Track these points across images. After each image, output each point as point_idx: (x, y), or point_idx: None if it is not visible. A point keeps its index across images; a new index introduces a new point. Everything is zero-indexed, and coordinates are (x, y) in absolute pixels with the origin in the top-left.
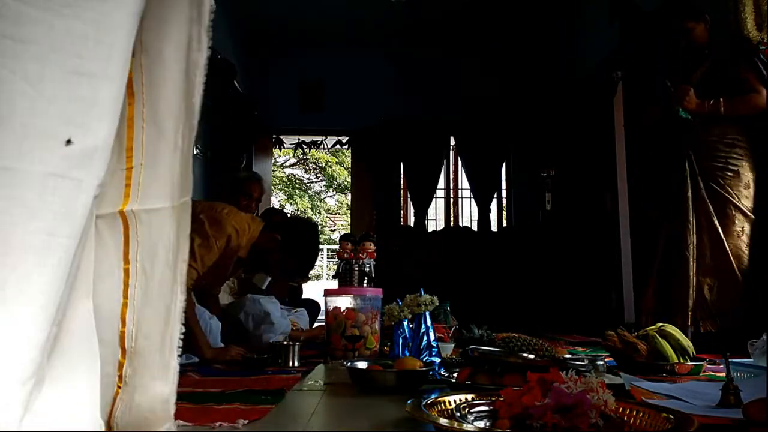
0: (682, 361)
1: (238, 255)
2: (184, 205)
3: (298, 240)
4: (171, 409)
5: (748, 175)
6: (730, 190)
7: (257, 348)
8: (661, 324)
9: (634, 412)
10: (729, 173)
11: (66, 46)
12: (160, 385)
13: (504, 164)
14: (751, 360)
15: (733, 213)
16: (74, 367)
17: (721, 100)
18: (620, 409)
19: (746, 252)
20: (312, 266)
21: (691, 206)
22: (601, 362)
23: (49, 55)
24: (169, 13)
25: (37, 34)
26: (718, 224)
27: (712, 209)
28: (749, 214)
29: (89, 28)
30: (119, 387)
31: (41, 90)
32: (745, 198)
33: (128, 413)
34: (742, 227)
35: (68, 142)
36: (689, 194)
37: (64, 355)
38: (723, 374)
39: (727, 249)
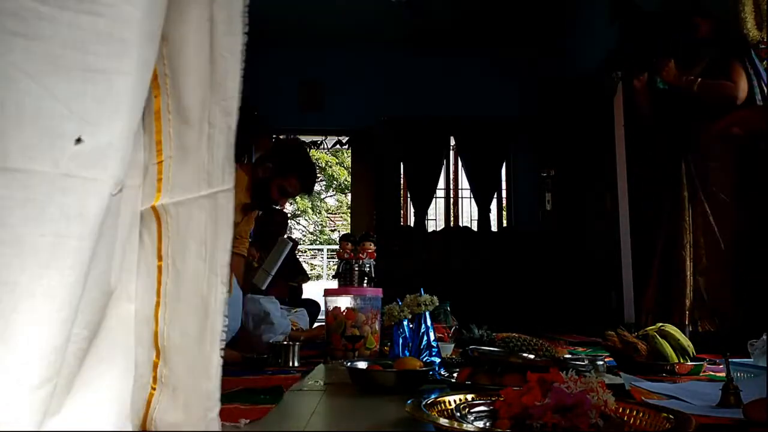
0: (682, 361)
1: (243, 202)
2: (220, 193)
3: (289, 157)
4: (215, 406)
5: (742, 175)
6: (726, 190)
7: (257, 348)
8: (661, 324)
9: (634, 412)
10: (722, 172)
11: (76, 43)
12: (202, 381)
13: (504, 164)
14: (751, 360)
15: (730, 213)
16: (108, 370)
17: (699, 79)
18: (620, 409)
19: (741, 251)
20: (313, 178)
21: (687, 206)
22: (601, 362)
23: (58, 52)
24: (187, 1)
25: (46, 30)
26: (714, 224)
27: (708, 209)
28: (744, 212)
29: (100, 23)
30: (153, 388)
31: (51, 88)
32: (739, 197)
33: (169, 413)
34: (738, 226)
35: (78, 140)
36: (685, 194)
37: (99, 359)
38: (723, 374)
39: (723, 249)
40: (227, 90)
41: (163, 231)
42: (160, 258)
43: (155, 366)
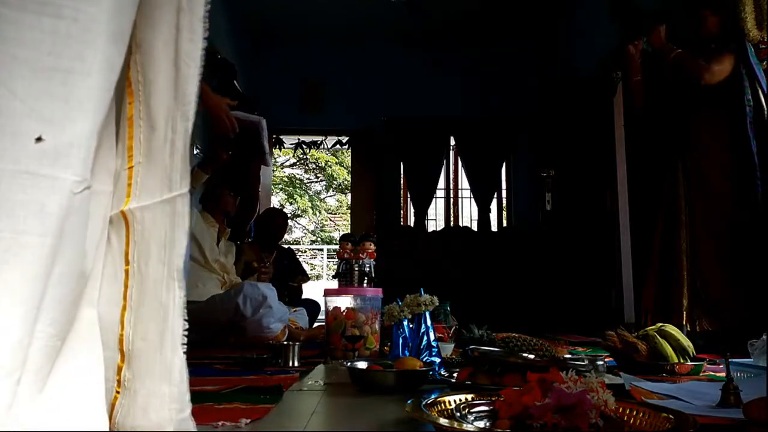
0: (682, 361)
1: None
2: (178, 198)
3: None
4: (185, 407)
5: (738, 174)
6: (721, 189)
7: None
8: (661, 324)
9: (634, 412)
10: (719, 172)
11: (38, 44)
12: (163, 385)
13: (504, 164)
14: (751, 360)
15: (726, 212)
16: (79, 373)
17: (678, 51)
18: (620, 409)
19: (739, 250)
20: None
21: (684, 205)
22: (601, 362)
23: (20, 53)
24: (157, 7)
25: (9, 32)
26: (711, 223)
27: (705, 208)
28: (741, 212)
29: (62, 24)
30: (117, 392)
31: (12, 88)
32: (737, 197)
33: (130, 417)
34: (735, 225)
35: (38, 139)
36: (682, 192)
37: (71, 359)
38: (723, 374)
39: (721, 248)
40: (186, 95)
41: (130, 235)
42: (127, 262)
43: (119, 369)
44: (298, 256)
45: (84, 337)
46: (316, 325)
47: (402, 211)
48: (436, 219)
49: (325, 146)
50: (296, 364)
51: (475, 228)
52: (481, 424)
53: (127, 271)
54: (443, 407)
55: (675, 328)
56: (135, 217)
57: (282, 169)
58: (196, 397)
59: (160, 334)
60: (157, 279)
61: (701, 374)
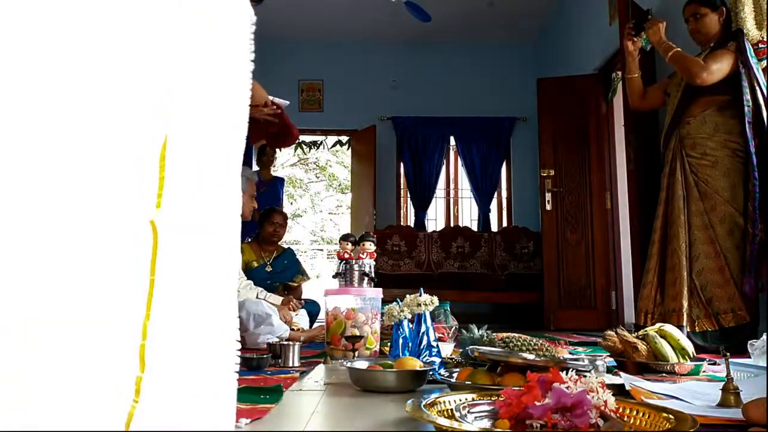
0: (682, 361)
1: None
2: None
3: None
4: (224, 409)
5: (738, 175)
6: (720, 189)
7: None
8: (661, 324)
9: (634, 412)
10: (718, 172)
11: None
12: (204, 386)
13: (504, 164)
14: (751, 360)
15: (724, 212)
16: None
17: (676, 49)
18: (620, 409)
19: (738, 251)
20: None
21: (683, 205)
22: (601, 362)
23: None
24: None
25: None
26: (710, 223)
27: (704, 208)
28: (740, 213)
29: None
30: (136, 401)
31: None
32: (735, 197)
33: (148, 426)
34: (733, 227)
35: None
36: (681, 193)
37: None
38: (723, 374)
39: (720, 249)
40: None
41: (159, 244)
42: (153, 272)
43: (139, 380)
44: (298, 256)
45: (101, 344)
46: (316, 325)
47: (402, 211)
48: (436, 219)
49: (325, 146)
50: (296, 364)
51: (475, 228)
52: (481, 424)
53: (152, 281)
54: (443, 407)
55: (675, 328)
56: (165, 225)
57: (282, 168)
58: None
59: (203, 340)
60: (196, 287)
61: (701, 374)
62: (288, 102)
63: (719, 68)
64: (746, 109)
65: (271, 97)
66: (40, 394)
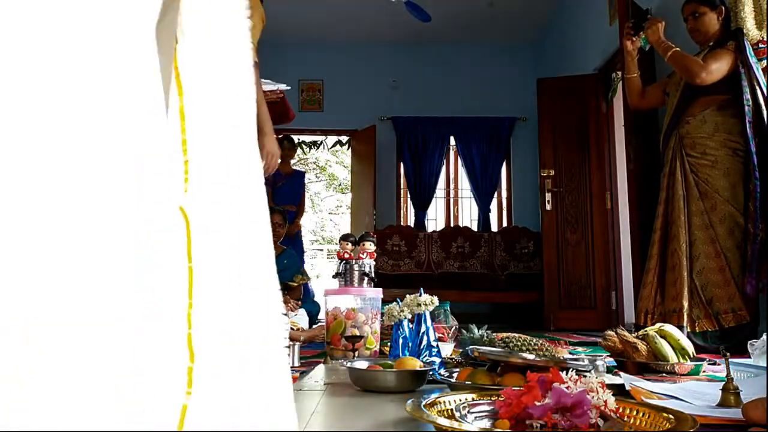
0: (682, 361)
1: None
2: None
3: None
4: (285, 406)
5: (738, 174)
6: (720, 189)
7: None
8: (661, 324)
9: (634, 412)
10: (718, 172)
11: None
12: (256, 381)
13: (504, 164)
14: (751, 360)
15: (724, 212)
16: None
17: (674, 49)
18: (620, 409)
19: (738, 251)
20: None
21: (683, 205)
22: (601, 362)
23: None
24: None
25: None
26: (710, 223)
27: (704, 208)
28: (740, 212)
29: None
30: (189, 393)
31: None
32: (735, 196)
33: (204, 419)
34: (734, 226)
35: None
36: (681, 192)
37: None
38: (723, 374)
39: (720, 248)
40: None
41: (192, 230)
42: (190, 259)
43: (190, 371)
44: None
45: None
46: (316, 325)
47: (402, 211)
48: (436, 219)
49: (325, 146)
50: (296, 364)
51: (475, 228)
52: (481, 424)
53: (190, 269)
54: (443, 407)
55: (675, 328)
56: (197, 209)
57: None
58: None
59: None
60: (233, 271)
61: (701, 374)
62: (289, 87)
63: (718, 68)
64: (746, 108)
65: (273, 86)
66: (90, 395)
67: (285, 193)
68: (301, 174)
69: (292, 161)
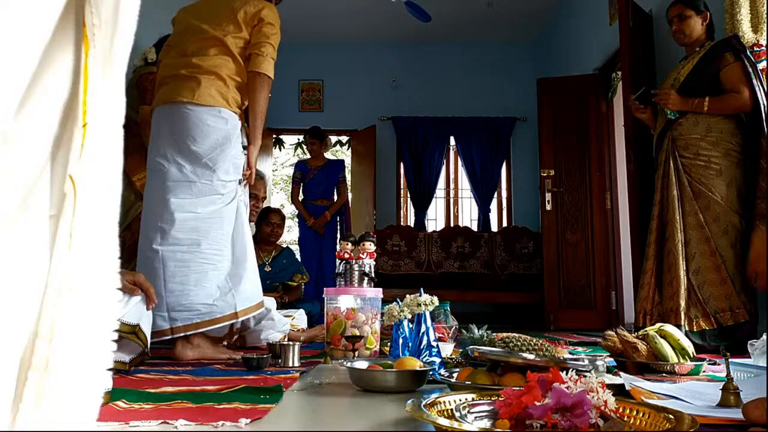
0: (682, 361)
1: None
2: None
3: None
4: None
5: (731, 174)
6: (713, 188)
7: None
8: (661, 324)
9: (634, 412)
10: (712, 172)
11: None
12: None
13: (504, 164)
14: (751, 360)
15: (718, 211)
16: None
17: (707, 99)
18: (620, 409)
19: (733, 249)
20: None
21: (678, 205)
22: (601, 362)
23: None
24: None
25: None
26: (704, 222)
27: (698, 207)
28: (734, 211)
29: None
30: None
31: None
32: (729, 195)
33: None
34: (728, 225)
35: None
36: (675, 193)
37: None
38: (723, 374)
39: (715, 247)
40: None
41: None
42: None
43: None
44: (297, 256)
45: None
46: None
47: (402, 211)
48: (436, 219)
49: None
50: (296, 364)
51: (475, 228)
52: (481, 424)
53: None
54: (443, 407)
55: (675, 328)
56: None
57: (282, 168)
58: (197, 397)
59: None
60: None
61: (701, 374)
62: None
63: (742, 80)
64: (762, 106)
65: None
66: None
67: (314, 187)
68: (336, 164)
69: (326, 153)
